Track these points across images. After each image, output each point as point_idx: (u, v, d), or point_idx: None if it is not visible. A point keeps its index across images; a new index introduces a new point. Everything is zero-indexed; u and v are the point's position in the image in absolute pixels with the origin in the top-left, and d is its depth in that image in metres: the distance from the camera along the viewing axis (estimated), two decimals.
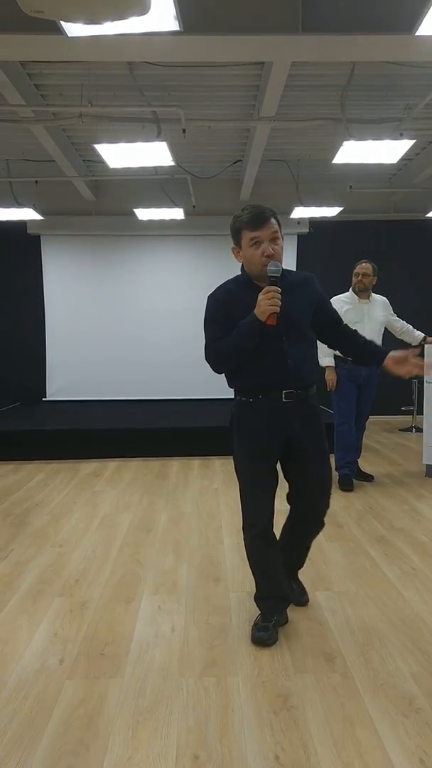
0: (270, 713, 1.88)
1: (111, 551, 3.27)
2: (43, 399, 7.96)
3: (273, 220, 2.17)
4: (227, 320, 2.21)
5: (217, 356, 2.26)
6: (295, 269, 7.58)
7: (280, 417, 2.24)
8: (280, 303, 2.09)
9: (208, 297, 2.29)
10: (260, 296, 2.10)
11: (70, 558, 3.18)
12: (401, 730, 1.80)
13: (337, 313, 2.48)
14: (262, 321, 2.10)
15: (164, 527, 3.67)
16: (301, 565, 2.62)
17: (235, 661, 2.18)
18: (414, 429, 7.08)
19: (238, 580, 2.86)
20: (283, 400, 2.22)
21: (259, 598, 2.39)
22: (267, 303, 2.07)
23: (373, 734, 1.78)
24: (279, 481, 2.34)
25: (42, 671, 2.12)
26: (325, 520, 2.44)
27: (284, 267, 2.21)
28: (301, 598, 2.61)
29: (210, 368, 2.31)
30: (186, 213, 7.04)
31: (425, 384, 4.88)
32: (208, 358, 2.28)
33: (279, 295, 2.09)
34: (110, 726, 1.83)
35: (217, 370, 2.30)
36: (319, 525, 2.44)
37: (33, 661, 2.19)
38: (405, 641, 2.30)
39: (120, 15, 2.61)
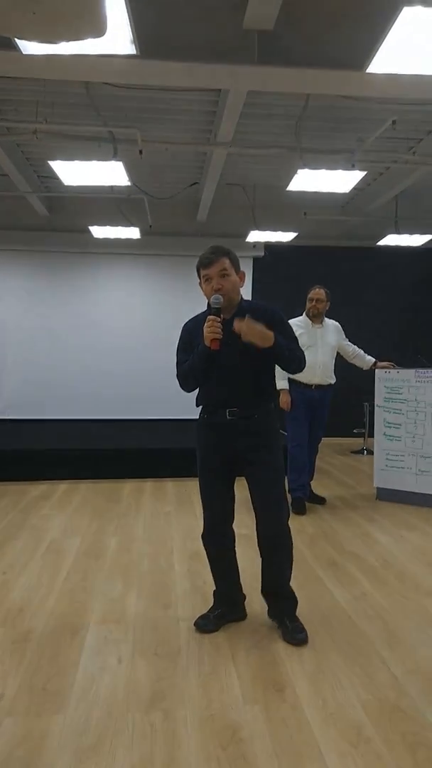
0: (218, 748, 1.83)
1: (57, 579, 3.16)
2: None
3: (223, 259, 2.46)
4: (189, 345, 2.55)
5: (181, 377, 2.57)
6: (250, 292, 7.72)
7: (224, 433, 2.52)
8: (220, 330, 2.36)
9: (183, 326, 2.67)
10: (205, 325, 2.38)
11: (13, 586, 3.05)
12: (350, 761, 1.78)
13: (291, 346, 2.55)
14: (207, 346, 2.38)
15: (114, 553, 3.58)
16: (281, 589, 2.60)
17: (183, 693, 2.12)
18: (365, 451, 7.20)
19: (189, 606, 2.80)
20: (228, 417, 2.50)
21: (214, 591, 2.71)
22: (208, 330, 2.37)
23: (322, 767, 1.75)
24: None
25: None
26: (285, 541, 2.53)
27: (249, 298, 2.49)
28: (295, 635, 2.49)
29: (173, 387, 2.64)
30: (142, 233, 7.04)
31: (376, 407, 4.98)
32: (177, 377, 2.59)
33: (219, 324, 2.37)
34: (50, 767, 1.73)
35: (184, 389, 2.60)
36: (274, 541, 2.56)
37: None
38: (355, 668, 2.30)
39: (76, 36, 2.60)
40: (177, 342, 2.64)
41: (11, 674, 2.22)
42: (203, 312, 2.54)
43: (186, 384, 2.56)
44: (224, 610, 2.64)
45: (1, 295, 7.79)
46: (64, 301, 7.84)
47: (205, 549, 2.68)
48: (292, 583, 2.64)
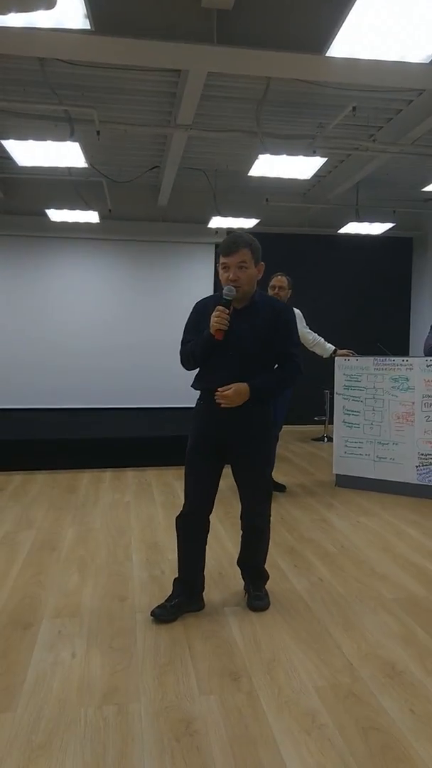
0: (172, 740, 1.81)
1: (10, 573, 3.07)
2: None
3: (244, 250, 2.48)
4: (196, 327, 2.59)
5: (182, 356, 2.63)
6: (212, 281, 7.66)
7: (215, 419, 2.54)
8: (227, 322, 2.41)
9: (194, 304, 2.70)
10: (213, 314, 2.42)
11: None
12: (303, 748, 1.78)
13: (288, 351, 2.60)
14: (212, 334, 2.43)
15: (70, 545, 3.51)
16: (257, 571, 2.77)
17: (138, 686, 2.09)
18: (326, 438, 7.28)
19: (146, 599, 2.76)
20: (219, 406, 2.50)
21: (175, 578, 2.69)
22: (215, 320, 2.41)
23: (276, 755, 1.75)
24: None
25: None
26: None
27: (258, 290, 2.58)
28: (253, 602, 2.68)
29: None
30: (101, 216, 6.88)
31: (335, 395, 5.01)
32: (180, 354, 2.65)
33: (226, 315, 2.41)
34: None
35: (185, 367, 2.65)
36: (255, 530, 2.69)
37: None
38: (310, 654, 2.31)
39: (24, 6, 2.49)
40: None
41: None
42: (215, 295, 2.64)
43: (187, 363, 2.62)
44: (181, 601, 2.62)
45: None
46: (19, 286, 7.61)
47: (177, 532, 2.66)
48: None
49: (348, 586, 2.94)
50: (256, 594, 2.71)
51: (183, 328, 2.68)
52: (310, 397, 7.21)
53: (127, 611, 2.65)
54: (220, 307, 2.42)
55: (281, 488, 4.79)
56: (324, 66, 3.54)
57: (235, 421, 2.52)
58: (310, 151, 5.11)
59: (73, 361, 7.62)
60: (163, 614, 2.55)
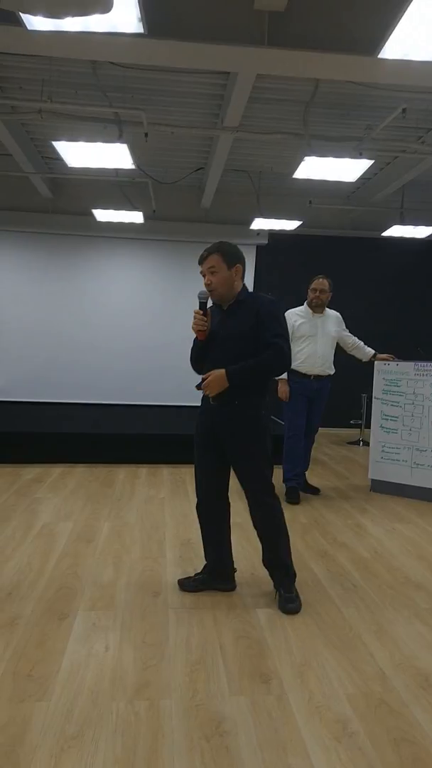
0: (202, 739, 1.82)
1: (48, 563, 3.15)
2: None
3: (212, 256, 2.66)
4: None
5: (190, 359, 2.83)
6: (252, 281, 7.66)
7: (210, 418, 2.73)
8: (203, 323, 2.65)
9: None
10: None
11: (3, 569, 3.04)
12: (333, 755, 1.77)
13: (268, 340, 2.61)
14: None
15: (106, 538, 3.57)
16: (274, 562, 2.77)
17: (169, 682, 2.11)
18: (361, 442, 7.19)
19: (178, 595, 2.79)
20: (210, 402, 2.70)
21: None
22: (193, 323, 2.66)
23: (306, 761, 1.75)
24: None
25: None
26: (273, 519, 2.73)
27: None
28: (285, 605, 2.68)
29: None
30: (145, 217, 6.96)
31: (374, 399, 4.95)
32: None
33: (201, 316, 2.65)
34: (32, 754, 1.73)
35: (194, 371, 2.84)
36: (261, 522, 2.75)
37: None
38: (342, 661, 2.29)
39: (82, 11, 2.54)
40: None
41: None
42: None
43: (193, 365, 2.81)
44: (206, 577, 2.84)
45: (1, 277, 7.73)
46: (65, 283, 7.79)
47: (198, 517, 2.88)
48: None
49: (382, 594, 2.91)
50: (287, 596, 2.71)
51: None
52: (346, 400, 7.15)
53: (160, 607, 2.68)
54: (195, 311, 2.66)
55: (315, 491, 4.76)
56: (376, 68, 3.51)
57: (223, 418, 2.67)
58: (357, 153, 5.07)
59: (116, 357, 7.74)
60: (186, 585, 2.83)
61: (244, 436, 2.67)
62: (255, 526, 2.78)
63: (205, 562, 2.90)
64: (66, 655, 2.25)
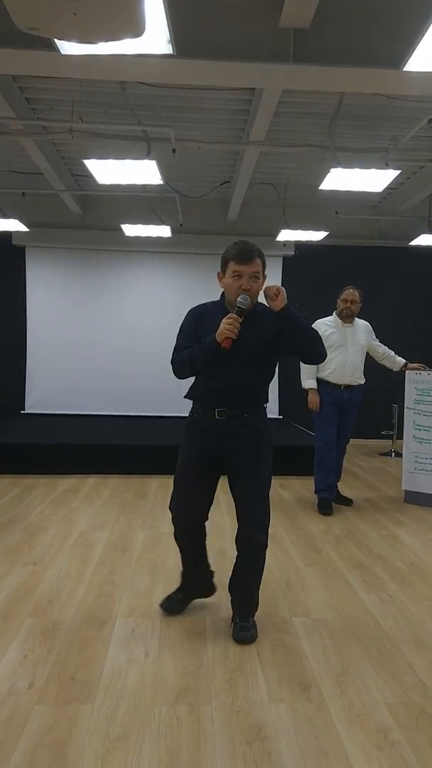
0: (243, 744, 1.84)
1: (86, 571, 3.21)
2: (22, 412, 7.85)
3: (258, 260, 2.39)
4: (195, 333, 2.49)
5: (177, 363, 2.53)
6: None
7: (212, 432, 2.47)
8: (237, 331, 2.30)
9: (188, 310, 2.61)
10: (223, 320, 2.32)
11: (43, 577, 3.11)
12: (375, 764, 1.77)
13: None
14: (218, 342, 2.33)
15: (141, 547, 3.62)
16: (247, 597, 2.57)
17: (209, 688, 2.14)
18: (393, 453, 7.12)
19: (214, 604, 2.81)
20: (216, 417, 2.45)
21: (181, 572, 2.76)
22: (225, 327, 2.30)
23: None
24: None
25: (10, 695, 2.06)
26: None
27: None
28: (238, 633, 2.48)
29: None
30: (173, 231, 7.07)
31: (405, 409, 4.92)
32: (172, 363, 2.57)
33: (239, 324, 2.31)
34: (79, 755, 1.77)
35: (177, 376, 2.56)
36: (250, 552, 2.53)
37: (1, 685, 2.12)
38: (381, 671, 2.28)
39: (114, 36, 2.63)
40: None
41: (41, 663, 2.26)
42: (212, 301, 2.56)
43: (182, 371, 2.51)
44: (188, 593, 2.76)
45: (34, 291, 7.92)
46: (95, 297, 7.94)
47: (176, 541, 2.72)
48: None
49: (419, 605, 2.89)
50: (242, 624, 2.50)
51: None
52: (377, 411, 7.10)
53: (197, 615, 2.71)
54: (233, 315, 2.32)
55: (348, 502, 4.74)
56: (402, 80, 3.54)
57: (232, 434, 2.44)
58: (383, 164, 5.08)
59: (146, 369, 7.82)
60: (172, 607, 2.71)
61: (256, 460, 2.47)
62: (239, 550, 2.56)
63: (181, 576, 2.78)
64: (107, 660, 2.30)
